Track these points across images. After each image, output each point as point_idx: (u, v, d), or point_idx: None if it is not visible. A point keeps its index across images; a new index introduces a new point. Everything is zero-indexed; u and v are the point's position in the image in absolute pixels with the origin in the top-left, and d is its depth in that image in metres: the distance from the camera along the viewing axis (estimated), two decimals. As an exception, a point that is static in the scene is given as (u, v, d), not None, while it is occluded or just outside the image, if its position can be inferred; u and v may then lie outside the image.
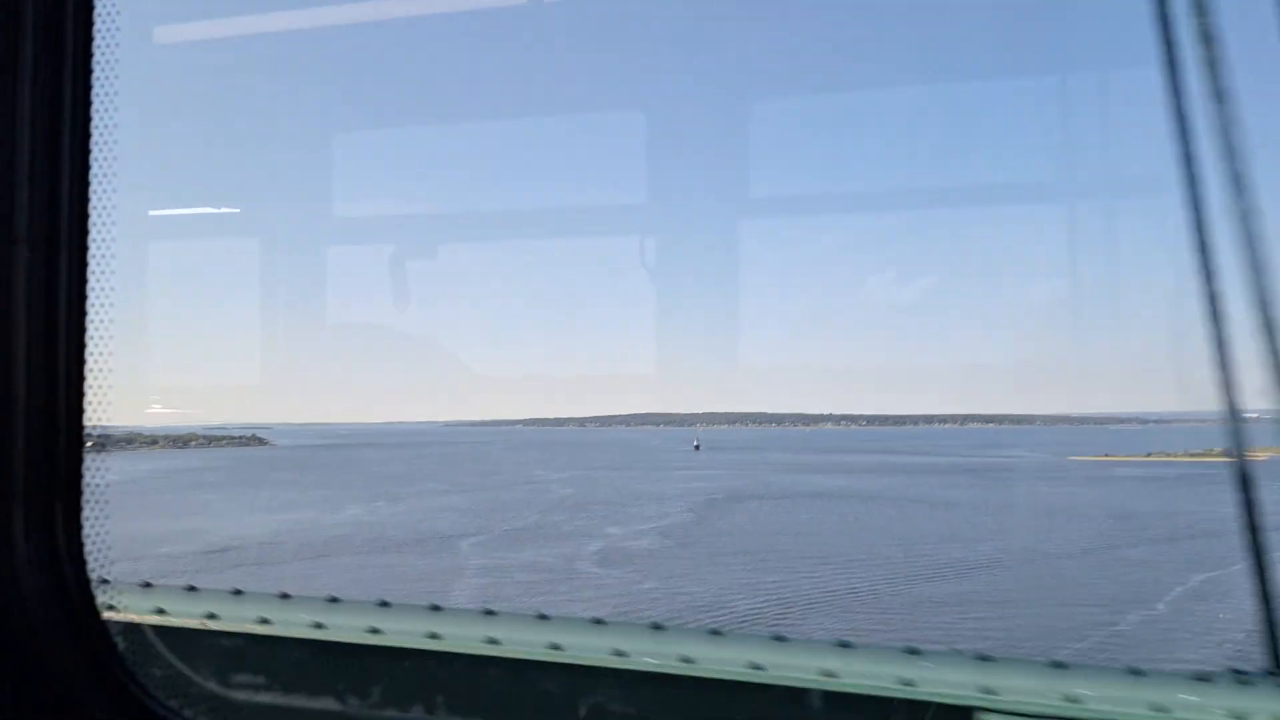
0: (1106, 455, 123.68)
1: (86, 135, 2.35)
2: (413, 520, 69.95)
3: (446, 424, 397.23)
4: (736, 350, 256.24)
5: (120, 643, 2.53)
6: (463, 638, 2.89)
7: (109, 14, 2.37)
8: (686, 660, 2.72)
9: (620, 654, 2.77)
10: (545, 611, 2.95)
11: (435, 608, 2.97)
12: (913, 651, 2.61)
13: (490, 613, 2.95)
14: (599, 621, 2.87)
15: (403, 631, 2.95)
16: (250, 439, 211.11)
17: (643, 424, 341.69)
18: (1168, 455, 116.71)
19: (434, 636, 2.90)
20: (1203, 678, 2.43)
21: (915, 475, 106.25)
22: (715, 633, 2.82)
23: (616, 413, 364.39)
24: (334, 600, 3.08)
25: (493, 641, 2.85)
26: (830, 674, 2.61)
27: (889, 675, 2.58)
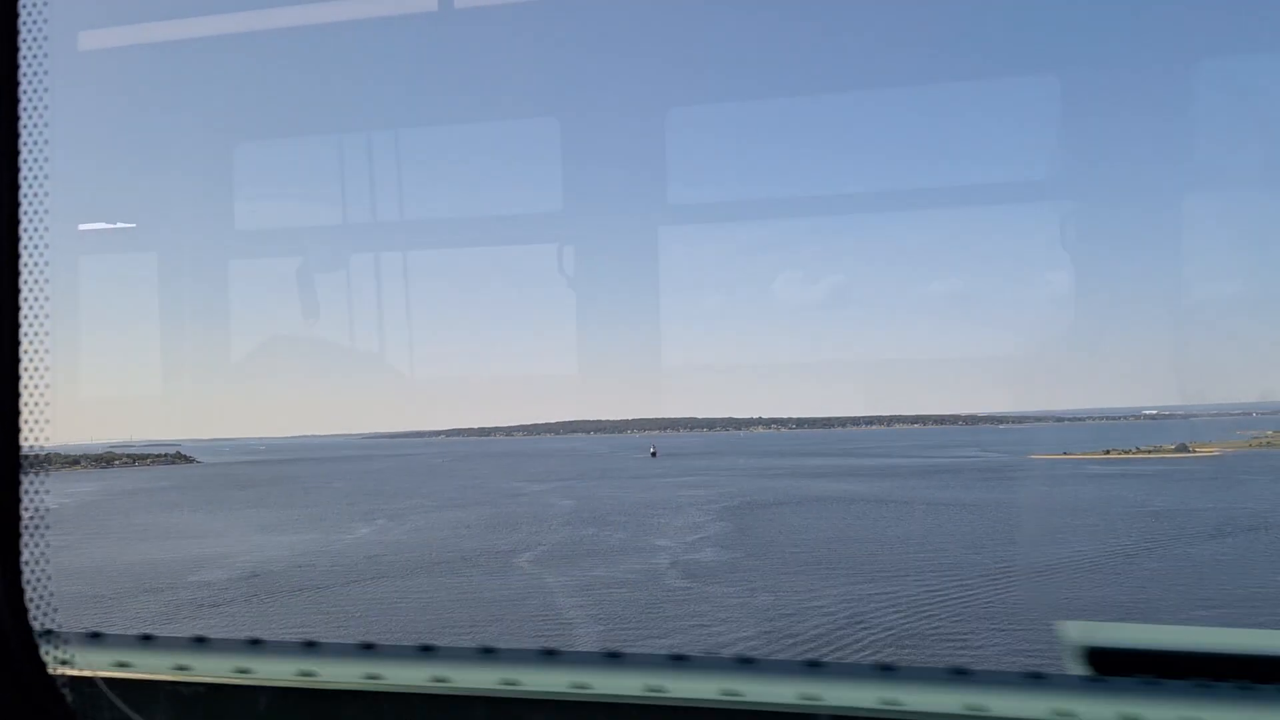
0: (1065, 453, 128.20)
1: (15, 148, 2.23)
2: (438, 538, 67.74)
3: (365, 436, 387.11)
4: (660, 354, 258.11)
5: (70, 697, 2.34)
6: (460, 679, 2.73)
7: (34, 21, 2.26)
8: (654, 690, 2.61)
9: (580, 686, 2.66)
10: (493, 645, 2.80)
11: (427, 648, 2.82)
12: (814, 665, 2.57)
13: (489, 650, 2.82)
14: (551, 652, 2.75)
15: (398, 675, 2.76)
16: (176, 456, 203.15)
17: (572, 431, 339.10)
18: (1124, 453, 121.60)
19: (440, 680, 2.73)
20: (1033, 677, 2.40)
21: (900, 478, 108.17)
22: (679, 658, 2.70)
23: (543, 421, 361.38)
24: (312, 644, 2.87)
25: (509, 683, 2.71)
26: (810, 697, 2.53)
27: (869, 696, 2.49)
